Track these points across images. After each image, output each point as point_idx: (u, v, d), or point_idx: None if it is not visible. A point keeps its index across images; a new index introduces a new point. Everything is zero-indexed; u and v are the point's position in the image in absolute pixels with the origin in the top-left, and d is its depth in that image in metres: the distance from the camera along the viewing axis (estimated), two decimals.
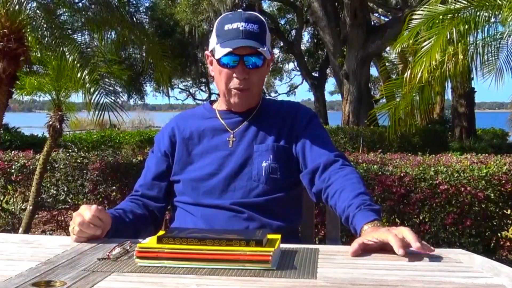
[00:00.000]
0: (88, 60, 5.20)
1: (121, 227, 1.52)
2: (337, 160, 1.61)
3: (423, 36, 5.67)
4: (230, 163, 1.64)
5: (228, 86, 1.64)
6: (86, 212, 1.39)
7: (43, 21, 5.38)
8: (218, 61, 1.62)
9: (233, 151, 1.65)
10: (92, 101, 5.13)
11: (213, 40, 1.66)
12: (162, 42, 6.50)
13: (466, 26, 5.40)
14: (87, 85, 5.01)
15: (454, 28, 5.32)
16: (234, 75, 1.61)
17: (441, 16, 5.56)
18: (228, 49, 1.57)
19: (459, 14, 5.54)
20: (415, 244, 1.19)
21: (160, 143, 1.75)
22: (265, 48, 1.60)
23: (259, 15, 1.69)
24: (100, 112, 5.17)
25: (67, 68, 4.98)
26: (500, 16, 5.16)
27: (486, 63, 5.87)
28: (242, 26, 1.59)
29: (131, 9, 6.08)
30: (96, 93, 5.14)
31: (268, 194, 1.61)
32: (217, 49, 1.61)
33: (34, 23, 5.42)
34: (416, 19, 5.80)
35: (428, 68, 5.36)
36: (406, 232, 1.23)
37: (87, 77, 4.99)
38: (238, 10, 1.76)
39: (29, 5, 5.40)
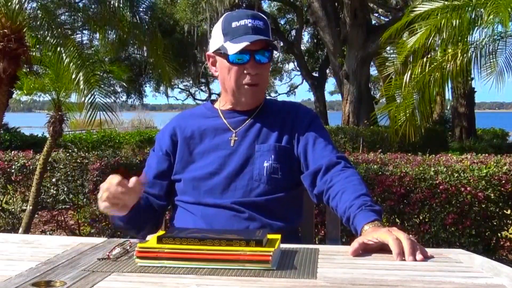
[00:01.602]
0: (85, 61, 5.19)
1: (137, 212, 1.53)
2: (339, 162, 1.61)
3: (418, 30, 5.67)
4: (232, 162, 1.64)
5: (239, 82, 1.64)
6: (114, 178, 1.39)
7: (42, 21, 5.38)
8: (228, 58, 1.62)
9: (235, 150, 1.65)
10: (85, 102, 5.12)
11: (218, 39, 1.65)
12: (162, 41, 6.49)
13: (466, 24, 5.39)
14: (81, 87, 5.01)
15: (444, 20, 5.32)
16: (245, 71, 1.62)
17: (442, 10, 5.55)
18: (245, 43, 1.57)
19: (459, 10, 5.52)
20: (408, 258, 1.20)
21: (161, 142, 1.75)
22: (275, 42, 1.62)
23: (261, 13, 1.71)
24: (93, 112, 5.15)
25: (63, 69, 4.97)
26: (500, 15, 5.15)
27: (486, 65, 5.85)
28: (250, 22, 1.61)
29: (133, 8, 6.07)
30: (89, 95, 5.13)
31: (269, 194, 1.61)
32: (228, 46, 1.61)
33: (34, 23, 5.42)
34: (415, 11, 5.80)
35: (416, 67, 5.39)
36: (404, 242, 1.23)
37: (81, 79, 4.98)
38: (237, 10, 1.77)
39: (29, 5, 5.41)
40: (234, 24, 1.61)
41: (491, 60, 5.83)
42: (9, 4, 5.04)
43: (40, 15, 5.38)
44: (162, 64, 6.40)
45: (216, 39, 1.66)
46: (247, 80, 1.63)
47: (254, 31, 1.59)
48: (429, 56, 5.88)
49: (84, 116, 5.22)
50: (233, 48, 1.59)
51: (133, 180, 1.40)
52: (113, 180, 1.38)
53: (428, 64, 5.70)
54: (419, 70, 5.57)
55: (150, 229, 1.65)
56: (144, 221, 1.63)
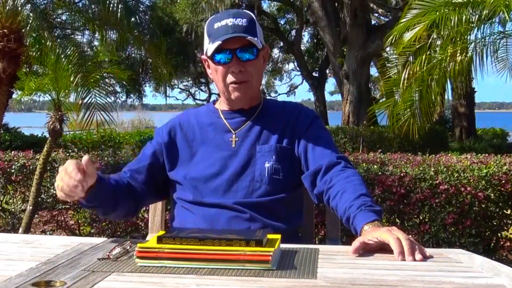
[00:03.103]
0: (86, 62, 5.19)
1: (104, 190, 1.49)
2: (339, 162, 1.60)
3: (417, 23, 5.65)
4: (233, 163, 1.64)
5: (226, 82, 1.64)
6: (69, 165, 1.35)
7: (39, 22, 5.38)
8: (212, 59, 1.64)
9: (236, 152, 1.65)
10: (82, 103, 5.13)
11: (205, 42, 1.67)
12: (161, 43, 6.48)
13: (465, 22, 5.39)
14: (79, 88, 5.01)
15: (443, 15, 5.32)
16: (230, 70, 1.62)
17: (442, 9, 5.54)
18: (218, 43, 1.58)
19: (458, 9, 5.52)
20: (408, 258, 1.21)
21: (160, 137, 1.74)
22: (256, 38, 1.61)
23: (247, 11, 1.71)
24: (91, 112, 5.15)
25: (62, 69, 4.98)
26: (502, 14, 5.15)
27: (497, 60, 5.80)
28: (231, 21, 1.61)
29: (133, 8, 6.07)
30: (88, 96, 5.13)
31: (270, 195, 1.61)
32: (209, 47, 1.62)
33: (34, 23, 5.42)
34: (414, 8, 5.79)
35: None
36: (404, 242, 1.23)
37: (79, 80, 4.98)
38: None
39: (25, 7, 5.41)
40: (216, 25, 1.62)
41: (502, 55, 5.81)
42: (6, 5, 5.04)
43: (35, 17, 5.38)
44: (159, 65, 6.41)
45: (205, 42, 1.68)
46: (232, 79, 1.63)
47: (234, 30, 1.60)
48: (428, 53, 5.87)
49: (82, 117, 5.21)
50: (211, 49, 1.61)
51: (85, 159, 1.35)
52: (68, 167, 1.34)
53: (427, 62, 5.70)
54: (418, 68, 5.57)
55: (120, 214, 1.62)
56: (112, 203, 1.56)
